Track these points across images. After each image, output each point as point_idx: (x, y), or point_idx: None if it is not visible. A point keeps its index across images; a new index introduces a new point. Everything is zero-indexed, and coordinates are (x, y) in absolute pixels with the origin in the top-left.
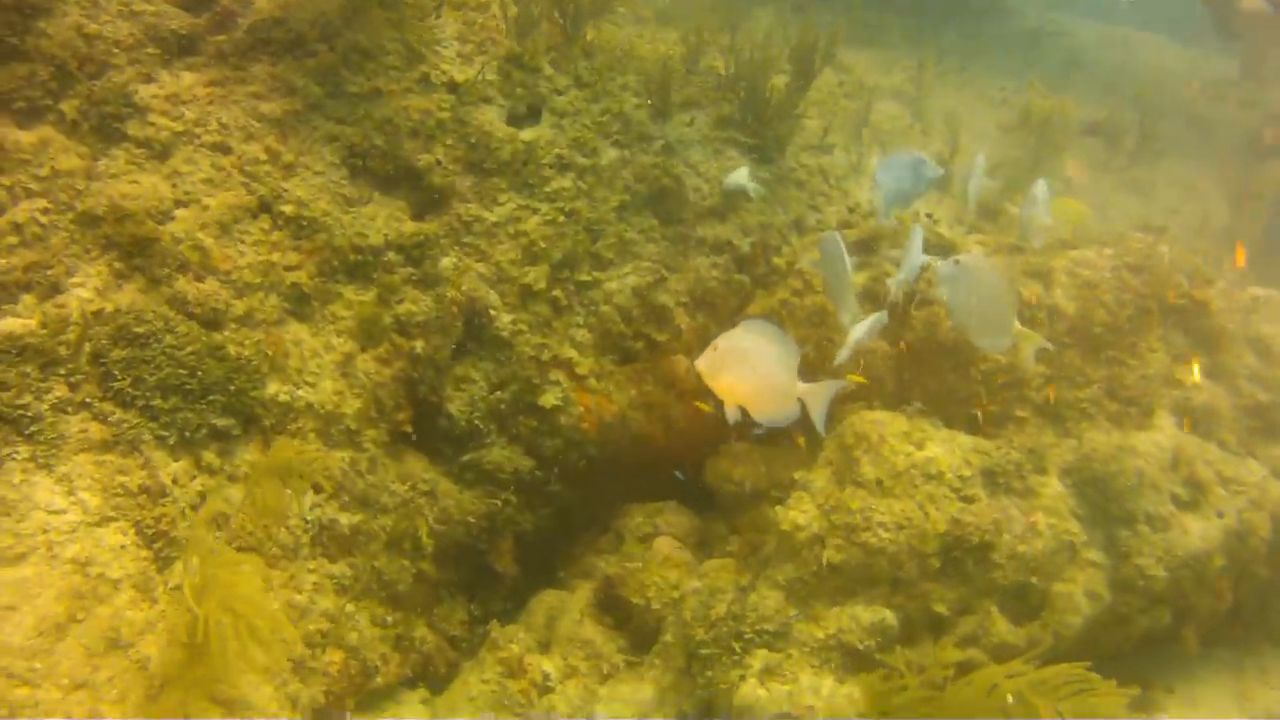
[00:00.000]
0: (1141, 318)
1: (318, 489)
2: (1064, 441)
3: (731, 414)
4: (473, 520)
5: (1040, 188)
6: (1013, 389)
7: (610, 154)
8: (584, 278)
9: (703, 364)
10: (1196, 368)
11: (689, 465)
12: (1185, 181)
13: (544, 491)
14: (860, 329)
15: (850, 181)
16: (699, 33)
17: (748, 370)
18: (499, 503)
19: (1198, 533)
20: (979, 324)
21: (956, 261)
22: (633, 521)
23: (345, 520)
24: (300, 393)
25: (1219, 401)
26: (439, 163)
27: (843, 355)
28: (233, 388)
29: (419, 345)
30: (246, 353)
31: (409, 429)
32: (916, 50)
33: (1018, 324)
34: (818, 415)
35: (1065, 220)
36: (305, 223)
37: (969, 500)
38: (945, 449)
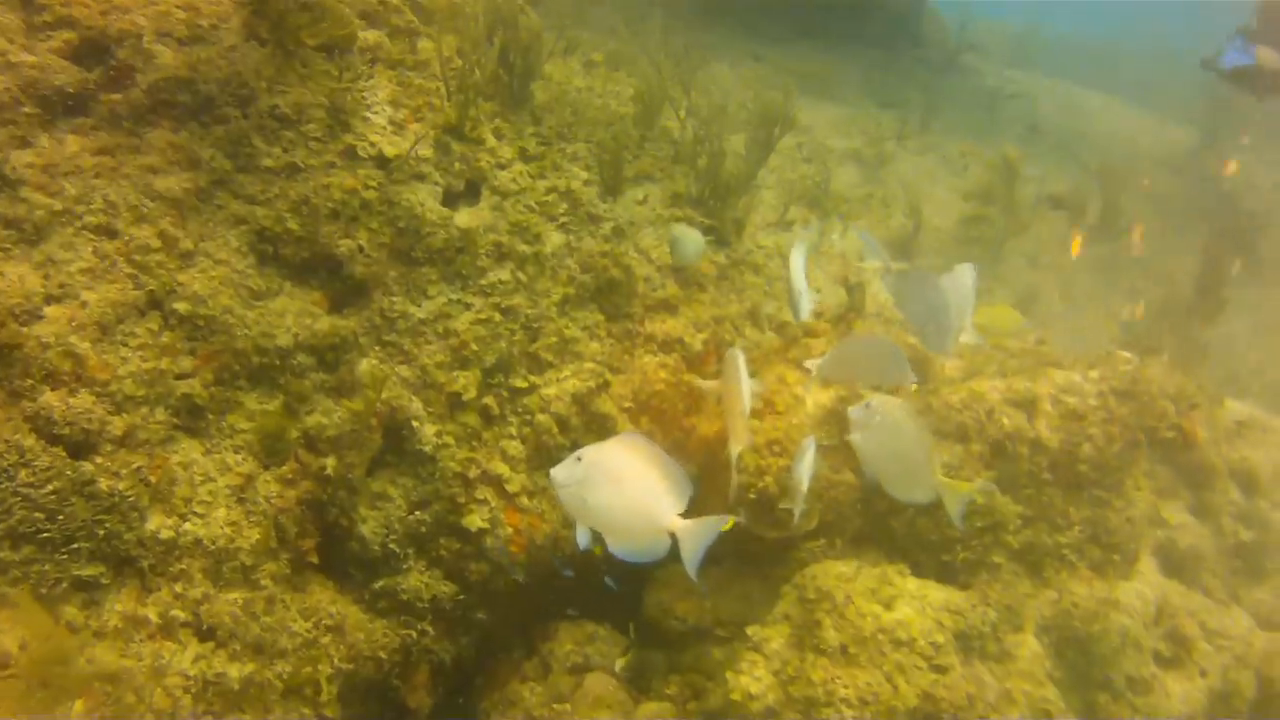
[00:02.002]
0: (1129, 452)
1: (204, 638)
2: (1042, 592)
3: (581, 537)
4: (384, 655)
5: (797, 256)
6: (989, 533)
7: (555, 239)
8: (519, 383)
9: (559, 473)
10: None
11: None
12: (1145, 259)
13: (466, 619)
14: (800, 468)
15: (811, 262)
16: (653, 90)
17: (611, 491)
18: (415, 634)
19: (1180, 695)
20: (895, 474)
21: (867, 405)
22: (562, 649)
23: (235, 673)
24: (187, 526)
25: (1204, 544)
26: (361, 249)
27: (798, 501)
28: (103, 531)
29: (330, 463)
30: (122, 486)
31: (314, 558)
32: (876, 104)
33: (941, 475)
34: (689, 556)
35: (996, 328)
36: (202, 322)
37: (941, 670)
38: (916, 609)
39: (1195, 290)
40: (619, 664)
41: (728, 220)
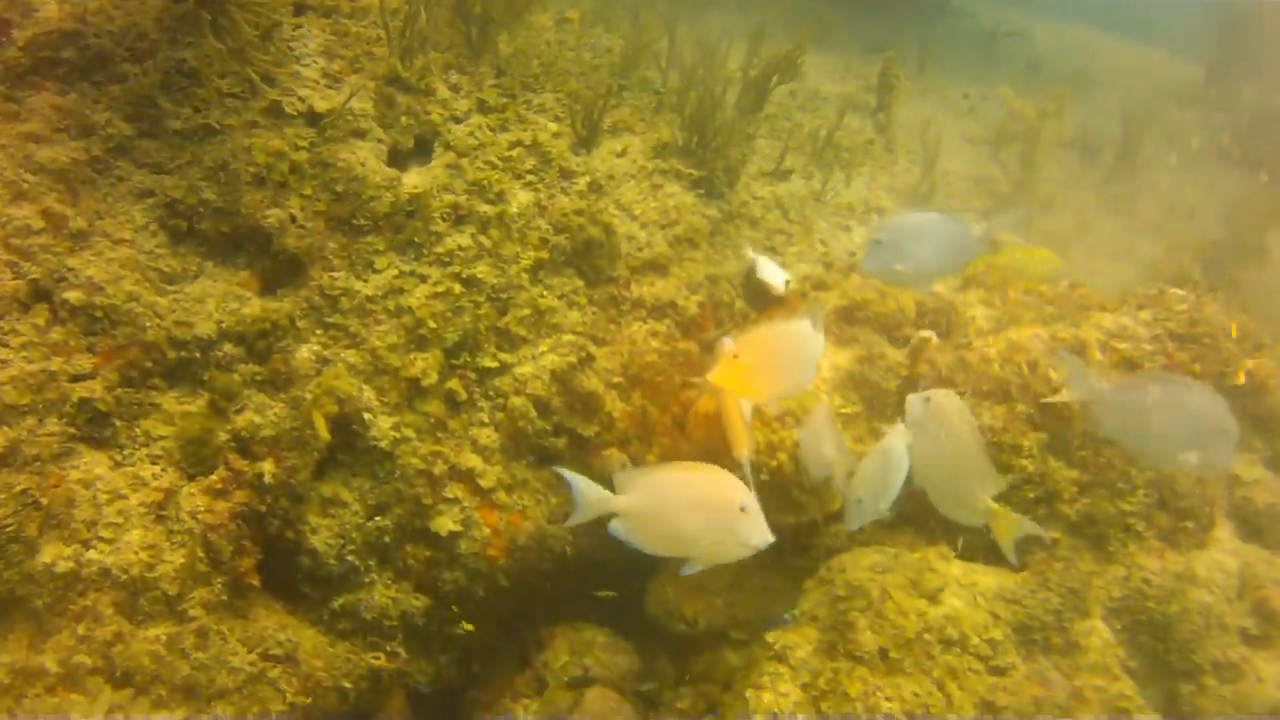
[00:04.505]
0: None
1: (119, 685)
2: (1108, 570)
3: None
4: (349, 684)
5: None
6: (1043, 504)
7: (522, 198)
8: (488, 363)
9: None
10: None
11: (630, 579)
12: (1166, 197)
13: (444, 635)
14: (811, 439)
15: (813, 213)
16: (636, 37)
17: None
18: (384, 656)
19: (1274, 679)
20: (942, 487)
21: (927, 399)
22: (557, 660)
23: None
24: (91, 554)
25: None
26: (294, 219)
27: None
28: None
29: (267, 468)
30: (3, 513)
31: (255, 579)
32: (868, 51)
33: (992, 500)
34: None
35: (1033, 272)
36: (101, 313)
37: (1001, 672)
38: (966, 600)
39: (1226, 228)
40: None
41: (719, 169)
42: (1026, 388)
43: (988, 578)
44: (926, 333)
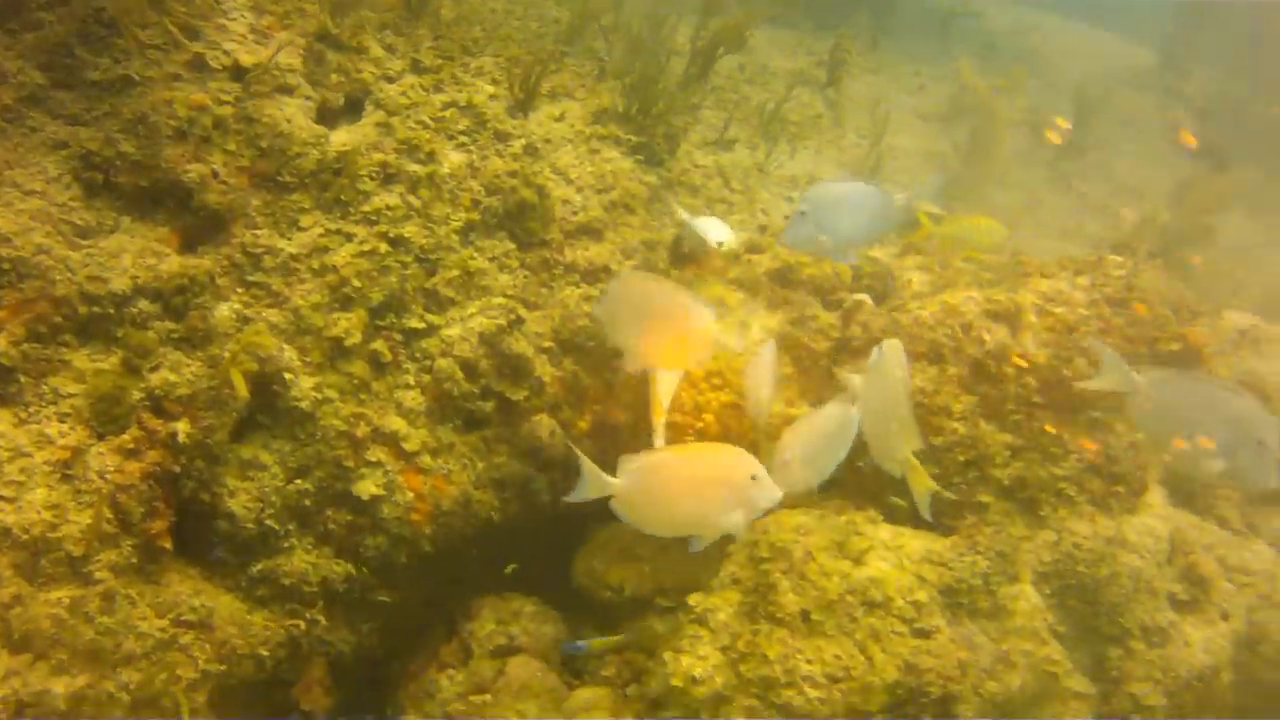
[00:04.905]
0: None
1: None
2: (1038, 534)
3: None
4: (266, 652)
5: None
6: (973, 467)
7: (454, 159)
8: (414, 324)
9: None
10: None
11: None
12: (1115, 177)
13: (366, 602)
14: (759, 376)
15: (756, 183)
16: (583, 7)
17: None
18: (303, 624)
19: (1201, 644)
20: (878, 434)
21: (880, 347)
22: (483, 629)
23: (63, 688)
24: None
25: None
26: (216, 175)
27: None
28: None
29: (182, 427)
30: None
31: (168, 542)
32: (822, 29)
33: (913, 456)
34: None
35: (979, 241)
36: (7, 265)
37: (925, 634)
38: (892, 563)
39: (1173, 208)
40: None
41: (659, 136)
42: (959, 350)
43: (915, 541)
44: (861, 296)
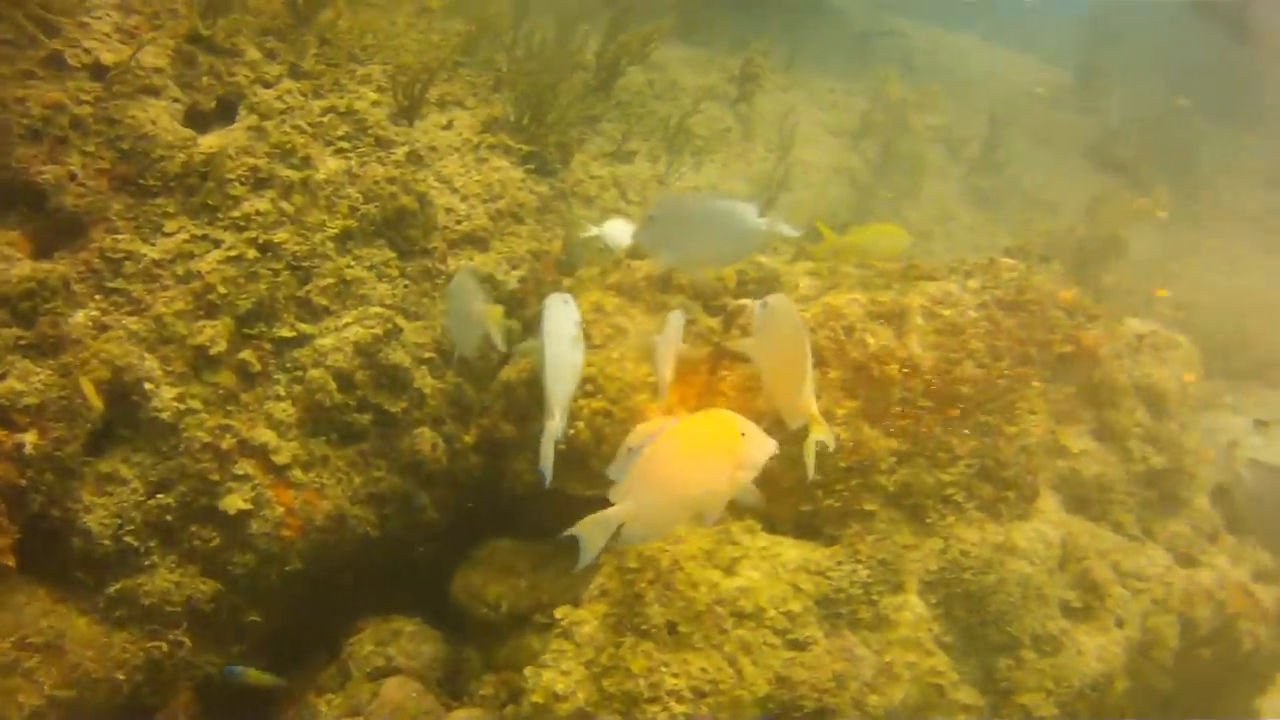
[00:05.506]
0: (1019, 371)
1: None
2: (925, 542)
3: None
4: (124, 676)
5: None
6: (857, 474)
7: (330, 165)
8: (285, 333)
9: None
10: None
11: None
12: (1030, 192)
13: (235, 623)
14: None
15: (655, 195)
16: (483, 19)
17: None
18: (165, 646)
19: (1094, 651)
20: (774, 391)
21: (765, 304)
22: (362, 650)
23: None
24: None
25: (1111, 473)
26: (73, 177)
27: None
28: None
29: (29, 439)
30: None
31: (11, 560)
32: (737, 46)
33: (813, 405)
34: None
35: (882, 249)
36: None
37: (799, 646)
38: (765, 572)
39: (1086, 223)
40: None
41: (551, 145)
42: (842, 353)
43: (792, 550)
44: (745, 301)
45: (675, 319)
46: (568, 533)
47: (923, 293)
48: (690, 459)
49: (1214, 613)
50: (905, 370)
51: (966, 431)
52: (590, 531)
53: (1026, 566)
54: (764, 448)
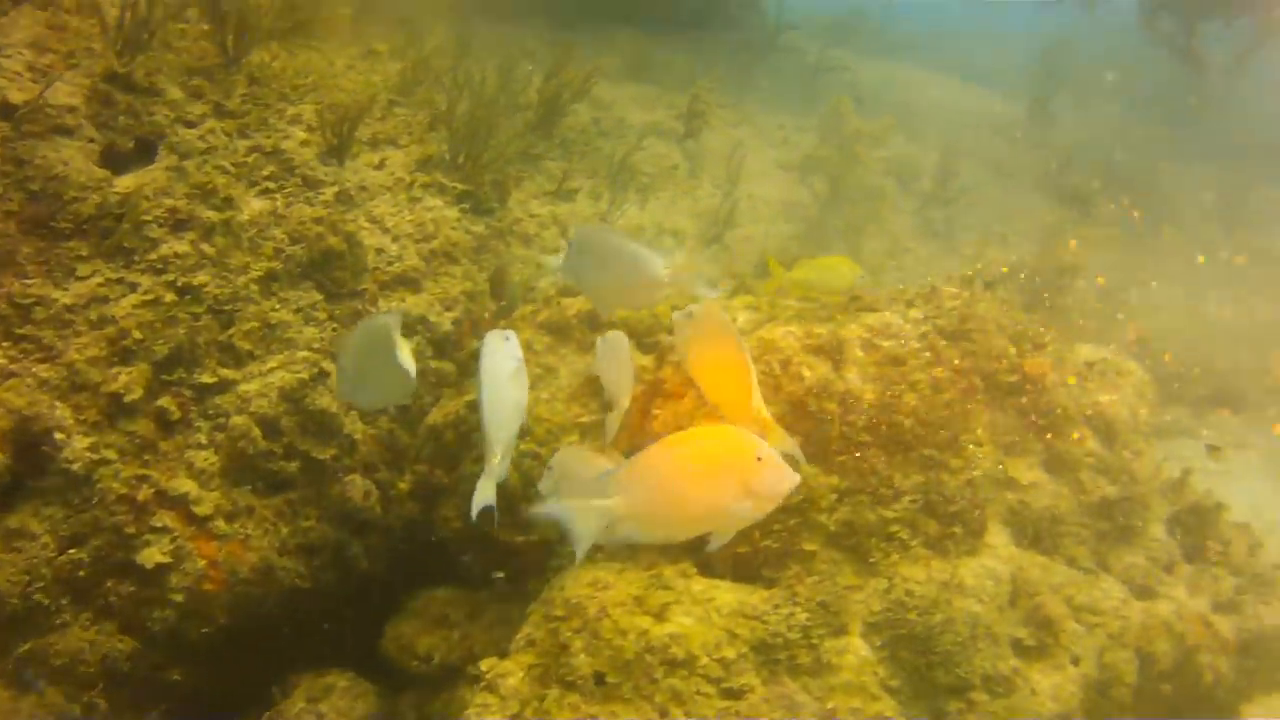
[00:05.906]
0: (964, 402)
1: None
2: (868, 582)
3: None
4: None
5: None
6: (796, 513)
7: (254, 206)
8: (207, 379)
9: None
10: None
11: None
12: (983, 224)
13: (157, 682)
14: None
15: None
16: (421, 59)
17: None
18: (78, 708)
19: (1049, 691)
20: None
21: (689, 312)
22: (292, 708)
23: None
24: None
25: (1062, 504)
26: None
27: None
28: None
29: None
30: None
31: None
32: (687, 86)
33: (764, 410)
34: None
35: (830, 283)
36: None
37: (735, 694)
38: (697, 618)
39: (1038, 253)
40: None
41: (486, 184)
42: (778, 387)
43: (727, 595)
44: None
45: (617, 337)
46: (554, 514)
47: (862, 324)
48: (694, 468)
49: (1173, 646)
50: (844, 404)
51: (910, 466)
52: (579, 520)
53: (975, 604)
54: (781, 478)
